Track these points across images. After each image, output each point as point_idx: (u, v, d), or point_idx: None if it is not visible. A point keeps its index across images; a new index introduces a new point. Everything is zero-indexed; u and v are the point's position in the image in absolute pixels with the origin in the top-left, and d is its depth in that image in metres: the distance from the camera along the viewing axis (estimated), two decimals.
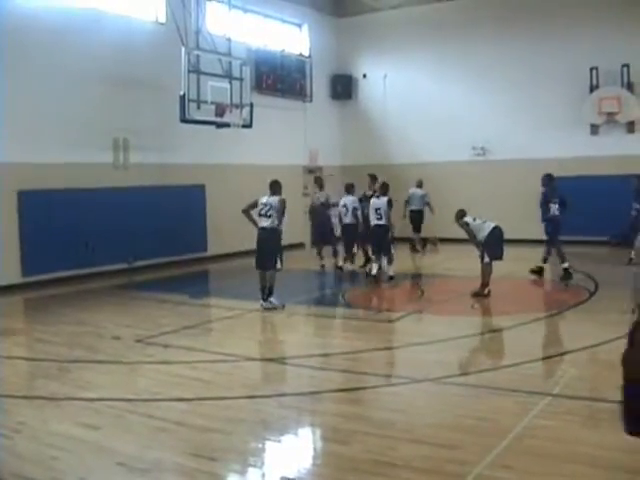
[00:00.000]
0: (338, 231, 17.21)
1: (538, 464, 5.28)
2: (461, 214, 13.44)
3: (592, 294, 12.96)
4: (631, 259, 16.20)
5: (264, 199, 12.35)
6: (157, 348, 9.55)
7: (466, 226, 13.19)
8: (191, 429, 6.33)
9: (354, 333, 10.99)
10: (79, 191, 15.60)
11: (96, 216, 15.86)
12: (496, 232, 13.05)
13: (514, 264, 15.23)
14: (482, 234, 13.01)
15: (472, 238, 13.26)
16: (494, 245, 12.97)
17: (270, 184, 12.54)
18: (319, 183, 17.79)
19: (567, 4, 20.95)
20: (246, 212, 12.50)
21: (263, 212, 12.23)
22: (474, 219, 13.24)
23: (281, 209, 12.23)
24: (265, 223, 12.21)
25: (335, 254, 17.08)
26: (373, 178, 17.04)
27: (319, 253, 17.29)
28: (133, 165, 17.04)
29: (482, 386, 7.54)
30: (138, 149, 17.09)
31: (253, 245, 12.55)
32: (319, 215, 17.34)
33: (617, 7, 20.12)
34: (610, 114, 20.41)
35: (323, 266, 17.10)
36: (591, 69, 20.65)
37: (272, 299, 12.23)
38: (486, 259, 12.96)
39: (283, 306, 12.25)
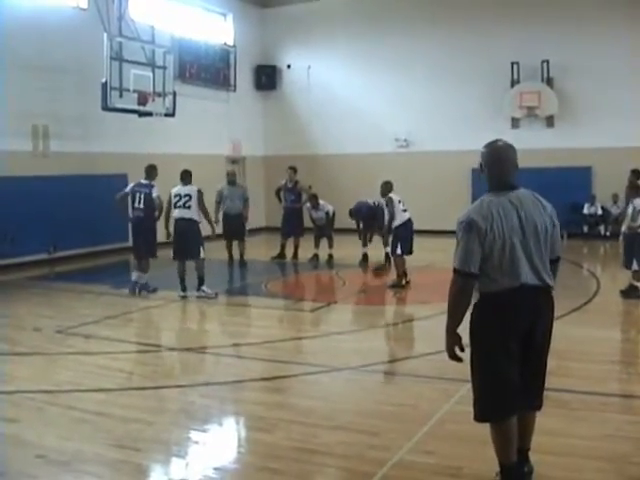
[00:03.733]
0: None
1: (460, 448, 5.40)
2: (389, 188, 13.26)
3: None
4: None
5: (177, 189, 12.32)
6: (78, 339, 9.44)
7: (390, 203, 12.93)
8: (113, 420, 6.27)
9: (275, 322, 11.05)
10: None
11: (15, 205, 15.46)
12: (410, 225, 12.99)
13: (435, 255, 15.46)
14: (396, 222, 12.86)
15: (387, 220, 13.03)
16: (408, 238, 12.90)
17: (182, 174, 12.50)
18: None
19: (490, 0, 21.33)
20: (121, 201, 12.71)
21: (180, 203, 12.16)
22: (399, 201, 13.00)
23: (201, 200, 12.20)
24: (183, 214, 12.15)
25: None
26: (294, 170, 17.07)
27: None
28: (53, 153, 16.71)
29: (403, 374, 7.68)
30: (59, 137, 16.76)
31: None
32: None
33: (538, 4, 20.58)
34: (530, 108, 20.84)
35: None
36: (512, 64, 21.05)
37: (204, 288, 12.24)
38: (398, 251, 12.82)
39: (216, 294, 12.25)
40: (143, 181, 12.71)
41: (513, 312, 4.41)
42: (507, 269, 4.38)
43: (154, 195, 12.46)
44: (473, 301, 4.53)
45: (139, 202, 12.53)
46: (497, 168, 4.54)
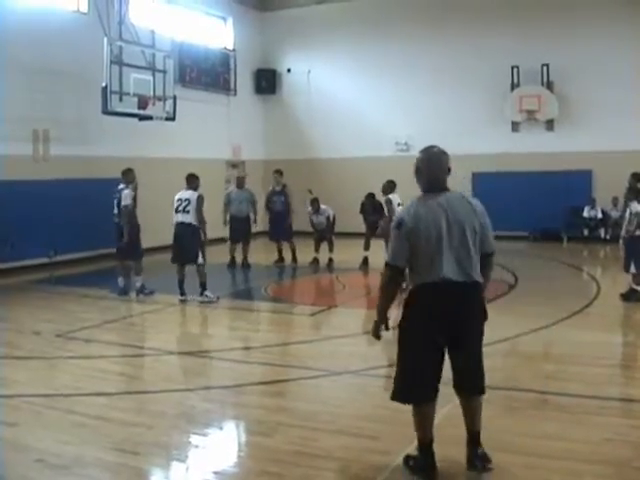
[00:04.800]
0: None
1: (458, 452, 5.37)
2: (391, 187, 13.17)
3: (512, 287, 13.27)
4: None
5: (179, 194, 12.35)
6: (78, 343, 9.43)
7: (389, 204, 12.86)
8: (113, 424, 6.27)
9: (275, 326, 11.05)
10: None
11: (15, 209, 15.45)
12: None
13: None
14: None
15: (385, 224, 12.90)
16: None
17: (186, 178, 12.51)
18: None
19: (490, 4, 21.34)
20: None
21: (180, 208, 12.18)
22: (399, 204, 12.86)
23: (199, 206, 12.15)
24: (182, 218, 12.16)
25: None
26: (279, 173, 17.09)
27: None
28: (54, 157, 16.70)
29: None
30: (59, 141, 16.75)
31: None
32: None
33: (538, 8, 20.60)
34: (530, 112, 20.88)
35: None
36: (512, 67, 21.08)
37: (207, 293, 12.25)
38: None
39: (218, 298, 12.26)
40: (121, 185, 12.80)
41: (434, 304, 4.82)
42: (430, 265, 4.78)
43: (122, 200, 12.56)
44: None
45: (115, 207, 12.76)
46: (429, 172, 4.97)
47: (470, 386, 5.08)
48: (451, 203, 4.84)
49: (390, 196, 13.21)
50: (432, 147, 5.09)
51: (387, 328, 5.16)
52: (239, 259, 16.42)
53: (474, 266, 4.85)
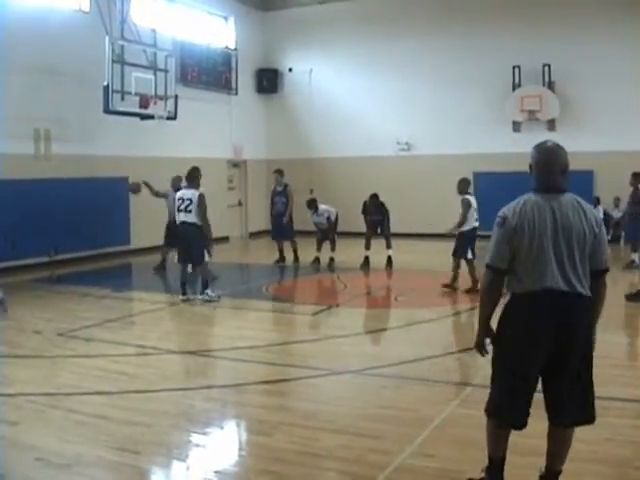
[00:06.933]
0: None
1: (461, 452, 5.38)
2: (467, 185, 12.81)
3: None
4: (633, 261, 15.51)
5: (180, 193, 12.30)
6: (79, 342, 9.43)
7: (467, 206, 12.50)
8: (114, 423, 6.26)
9: (276, 325, 11.06)
10: None
11: (17, 208, 15.45)
12: (475, 232, 12.75)
13: (437, 258, 15.45)
14: (467, 226, 12.58)
15: (459, 224, 12.64)
16: (474, 244, 12.65)
17: (186, 176, 12.47)
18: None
19: (491, 4, 21.32)
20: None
21: (182, 207, 12.08)
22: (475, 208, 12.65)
23: (201, 204, 12.01)
24: (185, 218, 12.10)
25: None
26: (280, 173, 17.11)
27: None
28: (55, 156, 16.71)
29: (403, 377, 7.66)
30: (60, 140, 16.75)
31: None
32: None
33: (540, 8, 20.57)
34: (532, 112, 20.86)
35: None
36: (514, 67, 21.07)
37: (208, 291, 12.23)
38: (469, 255, 12.60)
39: (219, 297, 12.25)
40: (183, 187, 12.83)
41: (536, 315, 4.32)
42: (533, 270, 4.31)
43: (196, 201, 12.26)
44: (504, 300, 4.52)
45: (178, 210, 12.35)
46: (542, 169, 4.43)
47: (567, 415, 4.50)
48: (562, 205, 4.32)
49: (468, 197, 12.81)
50: (546, 142, 4.52)
51: (494, 341, 4.57)
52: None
53: (580, 278, 4.30)
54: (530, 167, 4.50)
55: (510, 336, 4.43)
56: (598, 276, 4.43)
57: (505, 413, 4.51)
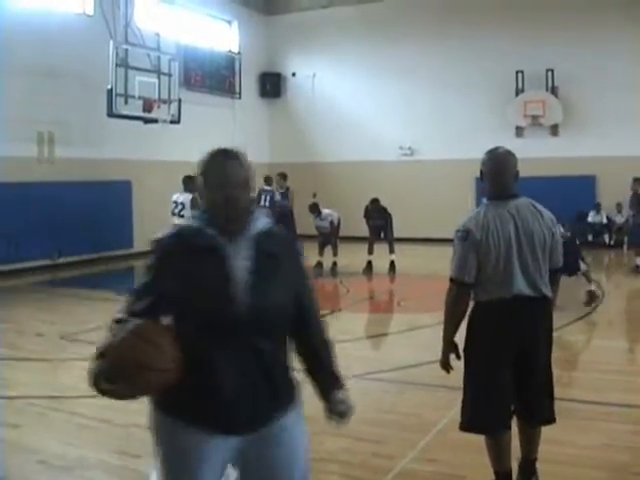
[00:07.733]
0: None
1: (463, 457, 5.37)
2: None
3: None
4: (637, 266, 15.15)
5: (175, 196, 12.28)
6: (82, 345, 9.40)
7: None
8: (115, 426, 6.26)
9: None
10: (1, 185, 15.22)
11: (20, 211, 15.50)
12: None
13: (438, 263, 15.40)
14: None
15: None
16: None
17: (183, 180, 12.47)
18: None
19: (495, 8, 21.33)
20: None
21: (176, 211, 12.08)
22: None
23: (193, 207, 11.91)
24: (178, 222, 12.06)
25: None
26: (282, 177, 17.10)
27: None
28: (58, 159, 16.73)
29: (406, 382, 7.65)
30: (64, 143, 16.78)
31: None
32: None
33: (543, 13, 20.60)
34: (535, 117, 20.87)
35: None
36: (517, 72, 21.10)
37: None
38: None
39: None
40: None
41: (505, 322, 4.38)
42: (500, 280, 4.34)
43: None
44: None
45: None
46: (497, 176, 4.47)
47: (534, 413, 4.61)
48: (521, 211, 4.39)
49: None
50: (498, 148, 4.58)
51: (458, 356, 4.59)
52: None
53: (544, 279, 4.42)
54: (481, 173, 4.55)
55: (481, 344, 4.48)
56: (555, 273, 4.58)
57: (484, 422, 4.52)
